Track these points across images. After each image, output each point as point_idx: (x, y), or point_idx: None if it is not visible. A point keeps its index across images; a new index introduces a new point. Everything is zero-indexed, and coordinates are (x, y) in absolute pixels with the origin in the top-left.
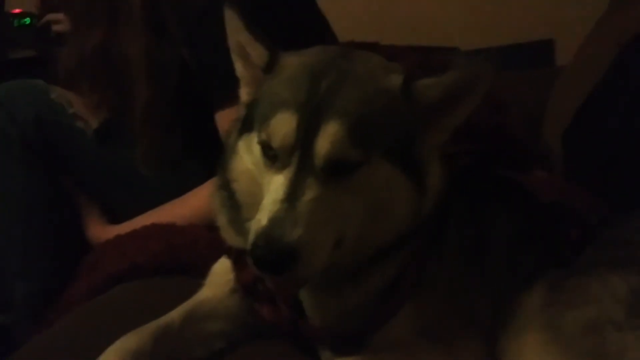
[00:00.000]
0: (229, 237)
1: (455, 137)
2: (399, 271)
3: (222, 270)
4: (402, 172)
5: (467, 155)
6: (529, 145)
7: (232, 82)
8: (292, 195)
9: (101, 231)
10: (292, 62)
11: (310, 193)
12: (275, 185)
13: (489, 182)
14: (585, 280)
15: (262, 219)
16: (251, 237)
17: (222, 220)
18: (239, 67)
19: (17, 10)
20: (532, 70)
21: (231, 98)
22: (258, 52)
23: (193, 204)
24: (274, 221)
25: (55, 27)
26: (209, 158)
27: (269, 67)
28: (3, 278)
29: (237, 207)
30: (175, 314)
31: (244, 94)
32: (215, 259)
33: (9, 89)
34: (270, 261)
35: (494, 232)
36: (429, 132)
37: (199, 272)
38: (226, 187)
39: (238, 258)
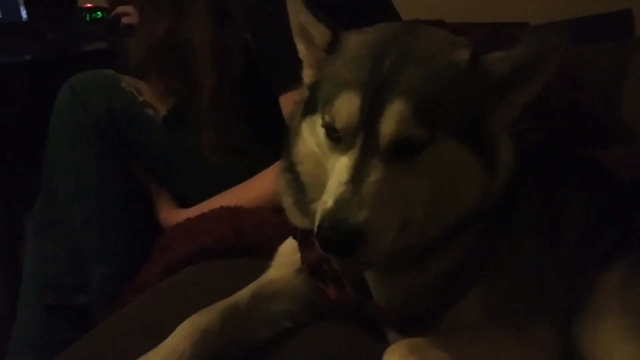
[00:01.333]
0: (295, 218)
1: (526, 113)
2: (468, 252)
3: (288, 251)
4: (471, 150)
5: (540, 132)
6: (605, 122)
7: (295, 65)
8: (357, 177)
9: (171, 215)
10: (355, 40)
11: (375, 174)
12: (340, 167)
13: (563, 159)
14: None
15: (328, 200)
16: (317, 219)
17: (287, 202)
18: (301, 48)
19: (89, 5)
20: (609, 42)
21: (294, 81)
22: (320, 32)
23: (259, 187)
24: (340, 203)
25: (125, 20)
26: (274, 143)
27: (331, 47)
28: (81, 261)
29: (302, 189)
30: (242, 294)
31: (307, 75)
32: (281, 241)
33: (82, 79)
34: (336, 243)
35: (569, 210)
36: (499, 108)
37: (266, 254)
38: (291, 169)
39: (304, 239)
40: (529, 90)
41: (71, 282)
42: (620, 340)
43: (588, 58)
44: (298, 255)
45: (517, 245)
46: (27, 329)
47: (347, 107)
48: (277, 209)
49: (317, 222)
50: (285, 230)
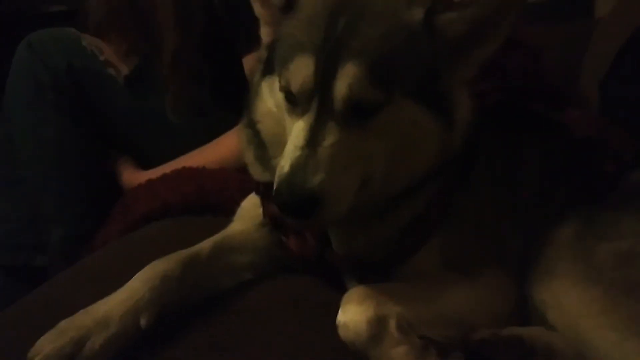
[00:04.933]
0: (256, 172)
1: (487, 75)
2: (428, 204)
3: (250, 205)
4: (428, 109)
5: (499, 92)
6: (563, 88)
7: (258, 24)
8: (312, 140)
9: (133, 176)
10: (310, 0)
11: (330, 138)
12: (296, 131)
13: (521, 118)
14: (619, 214)
15: (284, 165)
16: (275, 184)
17: (249, 157)
18: (257, 7)
19: None
20: (570, 23)
21: (257, 41)
22: None
23: (222, 149)
24: (296, 168)
25: None
26: (237, 104)
27: (287, 6)
28: (39, 221)
29: (263, 144)
30: (204, 245)
31: (264, 34)
32: (244, 199)
33: (42, 37)
34: (294, 207)
35: (525, 166)
36: (457, 66)
37: (229, 212)
38: (252, 125)
39: (266, 192)
40: (488, 48)
41: (29, 242)
42: (569, 286)
43: (549, 37)
44: (260, 210)
45: (475, 197)
46: None
47: (301, 71)
48: (240, 169)
49: (274, 187)
50: (248, 189)
